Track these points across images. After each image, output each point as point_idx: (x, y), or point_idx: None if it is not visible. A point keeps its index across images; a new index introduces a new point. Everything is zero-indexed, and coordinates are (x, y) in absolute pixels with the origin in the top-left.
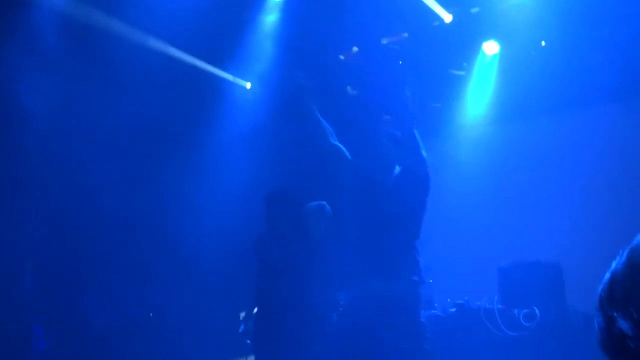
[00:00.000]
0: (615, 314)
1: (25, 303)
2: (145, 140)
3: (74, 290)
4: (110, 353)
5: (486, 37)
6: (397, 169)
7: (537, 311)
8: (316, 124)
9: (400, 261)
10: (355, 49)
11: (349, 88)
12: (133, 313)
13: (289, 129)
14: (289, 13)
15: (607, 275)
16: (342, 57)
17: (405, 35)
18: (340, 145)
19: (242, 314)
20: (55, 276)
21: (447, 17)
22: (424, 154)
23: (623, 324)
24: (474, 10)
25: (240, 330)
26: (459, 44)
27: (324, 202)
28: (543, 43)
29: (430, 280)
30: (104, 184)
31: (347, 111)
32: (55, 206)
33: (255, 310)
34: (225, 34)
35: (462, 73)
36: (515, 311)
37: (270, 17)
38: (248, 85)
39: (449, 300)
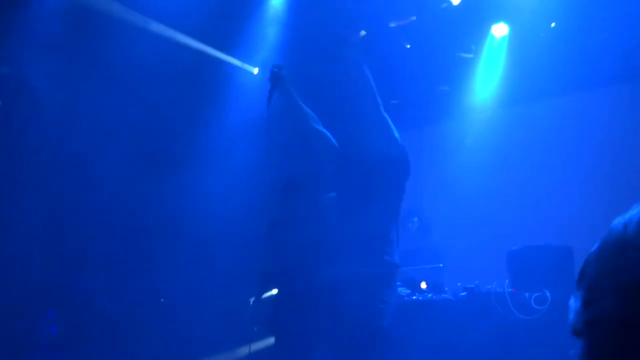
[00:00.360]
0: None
1: (36, 288)
2: (151, 126)
3: (83, 274)
4: (120, 336)
5: (495, 19)
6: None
7: (548, 294)
8: (297, 111)
9: (375, 242)
10: (362, 32)
11: None
12: (141, 297)
13: (275, 117)
14: None
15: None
16: None
17: (413, 18)
18: (325, 131)
19: (251, 300)
20: (65, 261)
21: None
22: (397, 135)
23: (577, 303)
24: None
25: (248, 316)
26: (467, 26)
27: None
28: (553, 24)
29: (441, 265)
30: (111, 170)
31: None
32: (63, 193)
33: (269, 295)
34: (233, 18)
35: (471, 56)
36: (527, 294)
37: (276, 0)
38: (255, 70)
39: (459, 284)
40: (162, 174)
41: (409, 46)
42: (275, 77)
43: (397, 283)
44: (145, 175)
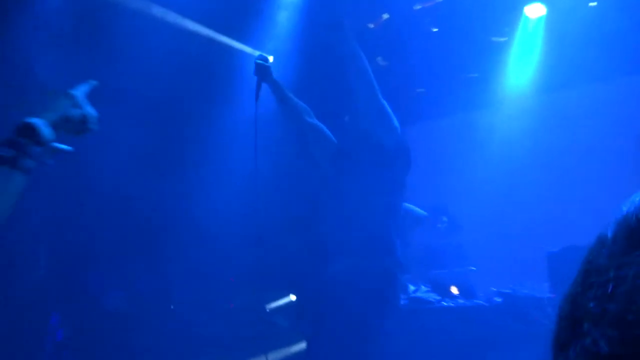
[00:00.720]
0: None
1: (42, 288)
2: (160, 119)
3: (90, 274)
4: (129, 336)
5: None
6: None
7: None
8: (289, 105)
9: (374, 240)
10: (385, 15)
11: (379, 59)
12: (150, 297)
13: (266, 113)
14: None
15: None
16: (371, 25)
17: None
18: (320, 124)
19: (281, 303)
20: (72, 261)
21: None
22: (397, 124)
23: None
24: None
25: (275, 321)
26: (499, 7)
27: None
28: (593, 4)
29: (474, 268)
30: (117, 166)
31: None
32: (68, 191)
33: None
34: (243, 4)
35: (504, 39)
36: None
37: None
38: (270, 59)
39: (494, 289)
40: (170, 170)
41: (435, 30)
42: (261, 70)
43: (420, 286)
44: (153, 171)
